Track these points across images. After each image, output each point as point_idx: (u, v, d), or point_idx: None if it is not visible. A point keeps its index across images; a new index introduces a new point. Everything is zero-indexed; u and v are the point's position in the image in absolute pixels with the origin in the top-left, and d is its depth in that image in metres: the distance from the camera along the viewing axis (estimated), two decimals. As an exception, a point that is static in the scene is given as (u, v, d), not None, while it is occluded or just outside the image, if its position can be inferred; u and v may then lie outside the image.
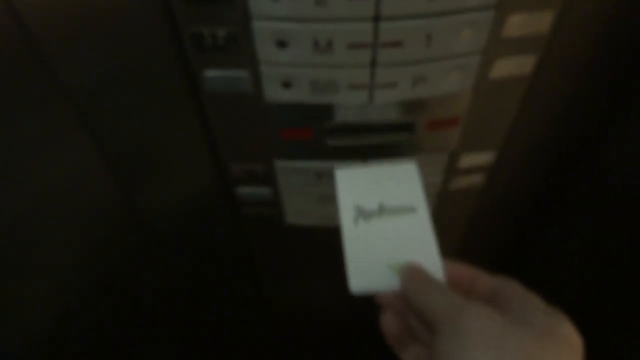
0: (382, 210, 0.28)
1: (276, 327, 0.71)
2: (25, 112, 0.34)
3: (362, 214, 0.28)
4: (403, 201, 0.28)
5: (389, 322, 0.25)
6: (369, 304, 0.55)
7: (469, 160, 0.34)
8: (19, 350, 0.69)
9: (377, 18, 0.24)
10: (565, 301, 0.53)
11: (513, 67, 0.28)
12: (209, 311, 0.68)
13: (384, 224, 0.27)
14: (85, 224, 0.47)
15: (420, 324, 0.24)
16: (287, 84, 0.27)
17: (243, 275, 0.54)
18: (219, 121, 0.30)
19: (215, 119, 0.30)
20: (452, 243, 0.46)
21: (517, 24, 0.25)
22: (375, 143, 0.31)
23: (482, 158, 0.35)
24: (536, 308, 0.21)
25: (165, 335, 0.77)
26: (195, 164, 0.35)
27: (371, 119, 0.30)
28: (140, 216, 0.43)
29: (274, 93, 0.27)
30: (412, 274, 0.24)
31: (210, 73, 0.27)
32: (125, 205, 0.42)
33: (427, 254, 0.26)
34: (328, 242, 0.42)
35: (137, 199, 0.41)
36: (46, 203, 0.44)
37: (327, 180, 0.34)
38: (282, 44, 0.25)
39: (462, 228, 0.43)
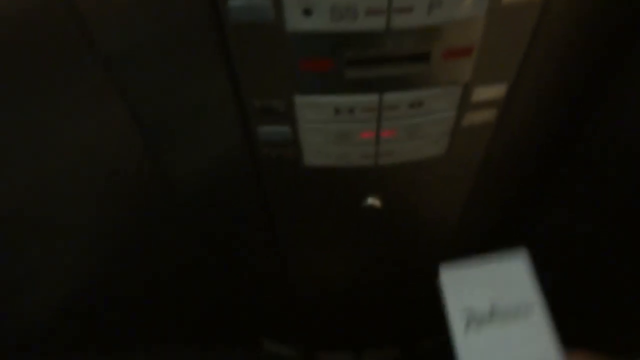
0: (494, 314, 0.26)
1: (295, 304, 0.72)
2: (59, 72, 0.36)
3: (474, 319, 0.26)
4: (516, 301, 0.26)
5: None
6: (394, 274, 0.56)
7: (481, 93, 0.36)
8: (41, 318, 0.72)
9: (395, -62, 0.25)
10: (576, 257, 0.54)
11: (525, -9, 0.29)
12: (226, 288, 0.70)
13: (498, 329, 0.26)
14: (110, 186, 0.48)
15: None
16: (307, 11, 0.28)
17: (262, 241, 0.55)
18: (242, 56, 0.32)
19: (238, 53, 0.31)
20: (463, 187, 0.47)
21: (529, -56, 0.26)
22: (392, 74, 0.33)
23: (495, 91, 0.36)
24: None
25: (182, 310, 0.78)
26: (216, 107, 0.37)
27: (388, 50, 0.31)
28: (164, 173, 0.44)
29: (295, 21, 0.28)
30: None
31: (235, 2, 0.28)
32: (147, 158, 0.43)
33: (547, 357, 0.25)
34: (346, 183, 0.44)
35: (160, 154, 0.42)
36: (75, 165, 0.45)
37: (345, 116, 0.35)
38: (304, -32, 0.26)
39: (474, 168, 0.44)
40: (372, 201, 0.45)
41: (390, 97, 0.34)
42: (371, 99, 0.34)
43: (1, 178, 0.46)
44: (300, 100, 0.34)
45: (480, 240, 0.59)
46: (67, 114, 0.39)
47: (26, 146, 0.42)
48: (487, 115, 0.38)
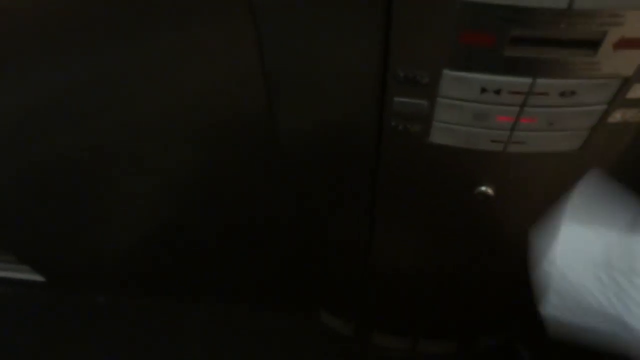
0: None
1: (366, 280, 0.72)
2: (207, 15, 0.36)
3: None
4: None
5: None
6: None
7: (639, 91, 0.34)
8: (131, 244, 0.75)
9: None
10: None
11: None
12: (301, 251, 0.70)
13: None
14: (217, 131, 0.49)
15: None
16: (489, -19, 0.27)
17: (357, 211, 0.54)
18: (402, 20, 0.31)
19: (399, 17, 0.31)
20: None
21: None
22: (553, 58, 0.31)
23: (655, 90, 0.34)
24: None
25: (249, 270, 0.80)
26: (355, 69, 0.37)
27: (558, 31, 0.29)
28: (276, 126, 0.45)
29: (472, -10, 0.28)
30: None
31: (417, -37, 0.27)
32: (269, 115, 0.43)
33: None
34: (464, 166, 0.43)
35: (279, 106, 0.43)
36: (187, 107, 0.46)
37: (490, 96, 0.35)
38: None
39: (602, 169, 0.42)
40: (486, 189, 0.44)
41: (544, 82, 0.33)
42: (523, 81, 0.33)
43: (111, 111, 0.48)
44: (448, 74, 0.34)
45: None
46: (198, 51, 0.39)
47: (147, 80, 0.43)
48: (635, 115, 0.36)
